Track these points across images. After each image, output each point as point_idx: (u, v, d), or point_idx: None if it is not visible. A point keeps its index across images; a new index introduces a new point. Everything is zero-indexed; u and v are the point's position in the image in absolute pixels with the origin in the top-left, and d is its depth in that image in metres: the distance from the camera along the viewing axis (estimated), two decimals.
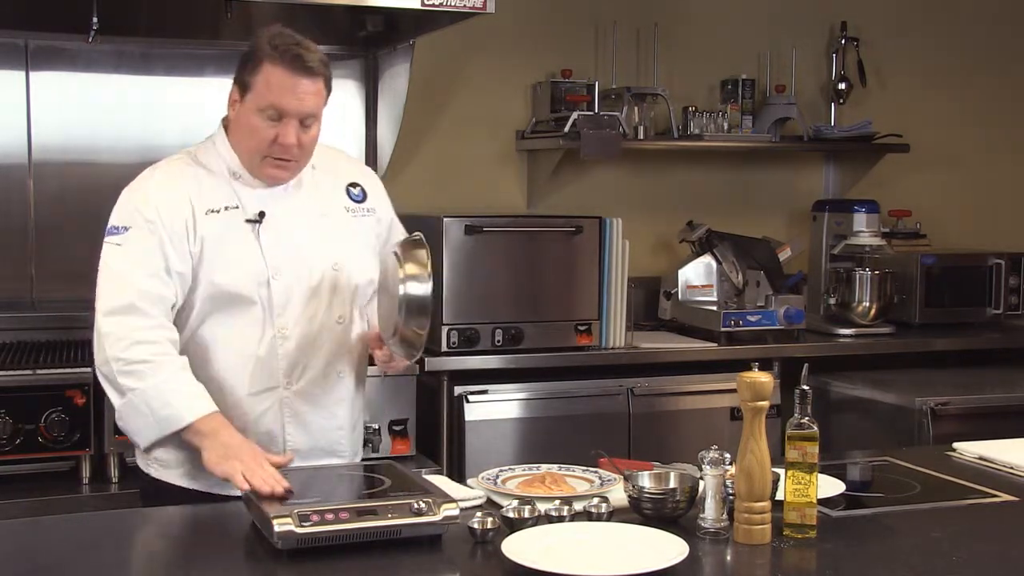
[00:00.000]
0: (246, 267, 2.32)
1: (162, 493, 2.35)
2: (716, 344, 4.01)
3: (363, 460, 2.59)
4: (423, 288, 2.23)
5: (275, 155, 2.30)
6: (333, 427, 2.46)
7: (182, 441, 2.25)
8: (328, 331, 2.40)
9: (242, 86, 2.32)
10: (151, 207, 2.29)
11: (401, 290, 2.23)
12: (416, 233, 2.33)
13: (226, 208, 2.33)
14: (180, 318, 2.32)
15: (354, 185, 2.51)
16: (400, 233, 2.58)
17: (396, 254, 2.27)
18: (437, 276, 3.45)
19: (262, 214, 2.34)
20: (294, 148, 2.29)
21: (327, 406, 2.44)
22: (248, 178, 2.36)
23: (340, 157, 2.58)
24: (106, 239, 2.31)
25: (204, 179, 2.35)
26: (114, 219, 2.32)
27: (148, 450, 2.30)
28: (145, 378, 2.21)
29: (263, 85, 2.27)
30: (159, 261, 2.27)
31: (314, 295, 2.38)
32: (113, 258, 2.29)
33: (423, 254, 2.26)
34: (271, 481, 2.03)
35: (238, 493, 2.11)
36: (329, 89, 2.33)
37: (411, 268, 2.24)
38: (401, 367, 2.47)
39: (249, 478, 2.05)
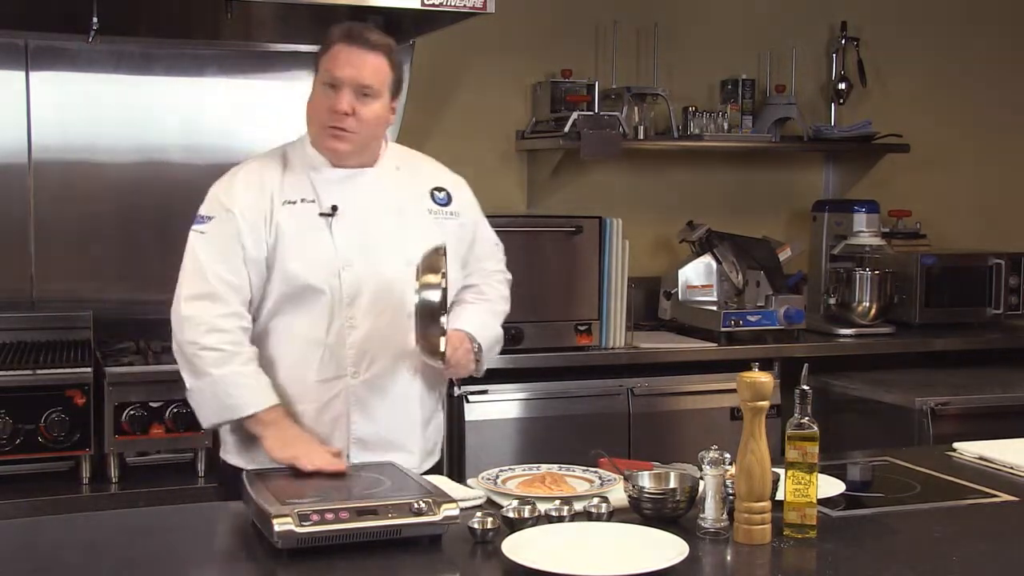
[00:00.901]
0: (318, 257, 2.40)
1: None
2: (716, 344, 4.01)
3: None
4: (434, 296, 2.26)
5: (331, 123, 2.38)
6: (403, 421, 2.49)
7: (242, 427, 2.40)
8: (398, 324, 2.41)
9: (316, 73, 2.43)
10: (231, 198, 2.41)
11: (415, 298, 2.27)
12: (440, 243, 2.35)
13: (302, 200, 2.43)
14: (257, 307, 2.42)
15: (439, 189, 2.57)
16: (483, 239, 2.64)
17: (417, 266, 2.30)
18: None
19: (335, 208, 2.42)
20: (348, 118, 2.36)
21: (396, 399, 2.47)
22: (327, 172, 2.45)
23: (429, 163, 2.66)
24: (192, 227, 2.42)
25: (287, 173, 2.45)
26: (201, 209, 2.44)
27: (208, 430, 2.50)
28: (216, 367, 2.34)
29: (327, 61, 2.39)
30: (238, 251, 2.38)
31: (386, 289, 2.42)
32: (197, 246, 2.40)
33: (439, 262, 2.29)
34: (330, 461, 2.21)
35: None
36: (394, 70, 2.42)
37: (424, 278, 2.27)
38: (463, 373, 2.52)
39: (310, 461, 2.20)
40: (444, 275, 2.28)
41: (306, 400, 2.42)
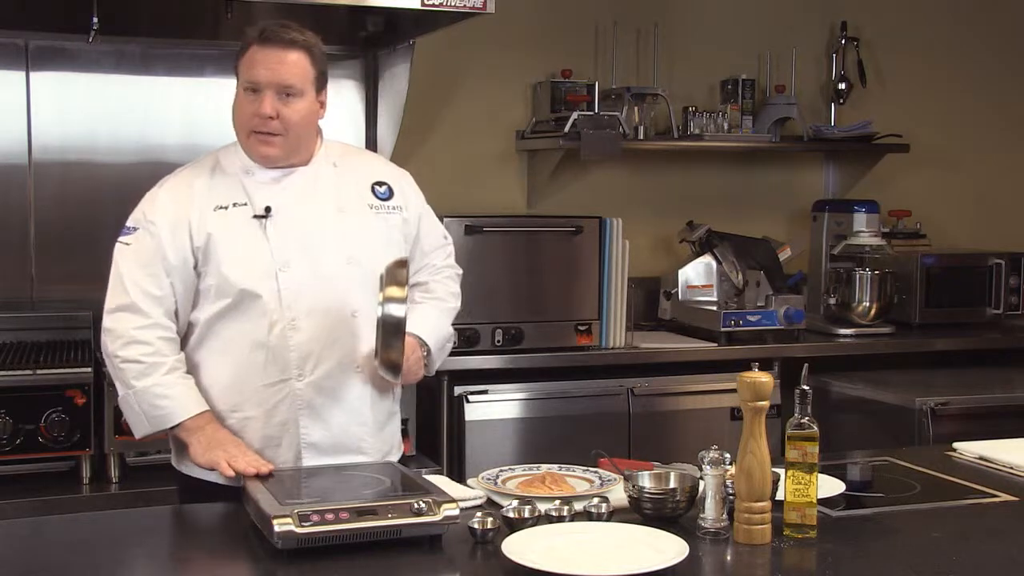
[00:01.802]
0: (253, 260, 2.36)
1: (197, 490, 2.38)
2: (716, 344, 4.01)
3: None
4: (399, 311, 2.21)
5: (257, 129, 2.35)
6: (354, 423, 2.43)
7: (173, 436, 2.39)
8: (343, 324, 2.39)
9: (237, 77, 2.40)
10: (156, 208, 2.39)
11: (379, 312, 2.22)
12: (402, 256, 2.33)
13: (234, 205, 2.38)
14: (196, 313, 2.39)
15: (380, 184, 2.52)
16: (429, 232, 2.60)
17: (381, 276, 2.26)
18: None
19: (268, 209, 2.38)
20: (273, 121, 2.33)
21: (346, 401, 2.42)
22: (260, 175, 2.41)
23: (370, 158, 2.64)
24: (119, 238, 2.40)
25: (218, 178, 2.42)
26: (129, 219, 2.42)
27: (143, 439, 2.43)
28: (137, 380, 2.33)
29: (245, 65, 2.36)
30: (159, 262, 2.36)
31: (327, 288, 2.38)
32: (121, 257, 2.38)
33: (403, 275, 2.24)
34: (255, 463, 2.19)
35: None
36: (316, 64, 2.37)
37: (389, 290, 2.21)
38: (413, 380, 2.50)
39: (233, 463, 2.21)
40: (407, 290, 2.23)
41: (252, 405, 2.37)
